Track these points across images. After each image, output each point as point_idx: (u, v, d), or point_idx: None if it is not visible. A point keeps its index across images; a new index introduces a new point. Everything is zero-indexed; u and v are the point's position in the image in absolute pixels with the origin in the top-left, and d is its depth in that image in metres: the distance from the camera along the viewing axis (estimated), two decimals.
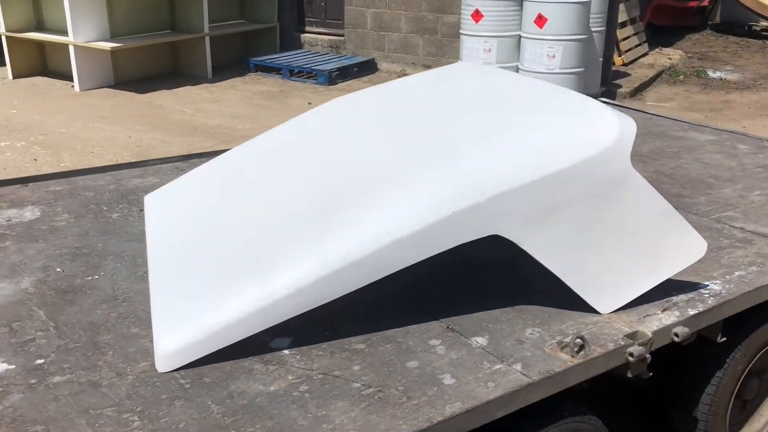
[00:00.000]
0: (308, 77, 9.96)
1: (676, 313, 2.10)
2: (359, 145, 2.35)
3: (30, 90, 9.17)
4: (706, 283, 2.29)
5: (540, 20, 7.53)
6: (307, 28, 11.61)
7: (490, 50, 7.85)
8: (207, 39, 9.93)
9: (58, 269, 2.32)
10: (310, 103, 8.65)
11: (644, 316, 2.07)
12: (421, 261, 1.89)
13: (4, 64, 9.80)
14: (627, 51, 10.97)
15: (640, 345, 1.92)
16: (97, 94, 8.97)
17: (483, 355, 1.87)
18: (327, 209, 2.04)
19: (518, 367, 1.81)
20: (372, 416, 1.61)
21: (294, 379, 1.75)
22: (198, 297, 1.93)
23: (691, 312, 2.09)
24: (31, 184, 3.13)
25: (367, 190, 2.05)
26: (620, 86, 9.31)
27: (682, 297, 2.19)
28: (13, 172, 5.85)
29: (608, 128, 2.05)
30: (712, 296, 2.20)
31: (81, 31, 8.89)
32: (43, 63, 10.06)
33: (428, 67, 10.30)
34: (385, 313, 2.06)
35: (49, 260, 2.38)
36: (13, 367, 1.79)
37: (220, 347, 1.81)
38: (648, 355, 1.94)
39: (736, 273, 2.36)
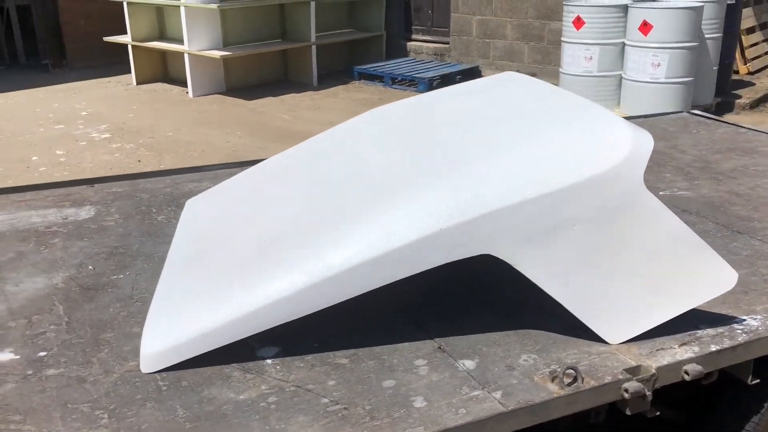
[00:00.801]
0: (410, 85, 10.02)
1: (695, 348, 1.92)
2: (375, 156, 2.33)
3: (149, 95, 9.81)
4: (744, 317, 2.08)
5: (645, 27, 7.15)
6: (414, 36, 11.67)
7: (591, 58, 7.56)
8: (313, 48, 10.21)
9: (91, 267, 2.46)
10: None
11: (657, 350, 1.91)
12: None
13: (130, 72, 10.56)
14: (754, 59, 10.20)
15: (639, 381, 1.77)
16: (208, 100, 9.45)
17: (466, 379, 1.79)
18: (323, 220, 2.04)
19: (498, 395, 1.72)
20: (335, 424, 1.59)
21: (266, 390, 1.76)
22: (191, 300, 1.98)
23: (713, 348, 1.91)
24: (96, 185, 3.35)
25: (365, 202, 2.03)
26: (739, 97, 8.66)
27: (709, 331, 2.00)
28: (116, 172, 6.27)
29: (619, 145, 1.90)
30: (745, 332, 1.99)
31: (196, 40, 9.40)
32: (164, 70, 10.75)
33: (533, 74, 10.07)
34: (378, 329, 2.03)
35: (86, 258, 2.53)
36: (18, 357, 1.91)
37: (203, 352, 1.85)
38: (648, 393, 1.79)
39: None
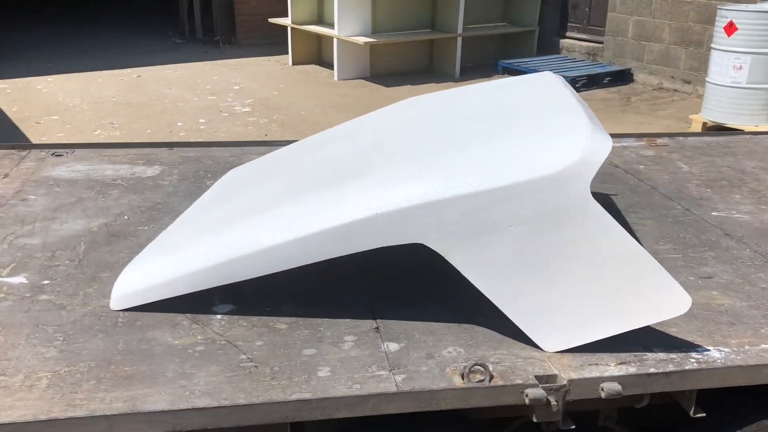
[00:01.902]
0: None
1: (632, 368, 1.83)
2: (365, 143, 2.42)
3: (299, 76, 10.39)
4: (709, 348, 1.94)
5: None
6: (568, 34, 11.33)
7: (740, 68, 6.97)
8: (459, 39, 10.25)
9: (126, 217, 2.78)
10: None
11: (590, 364, 1.85)
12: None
13: (287, 52, 11.23)
14: None
15: (546, 389, 1.74)
16: (351, 84, 9.84)
17: (380, 360, 1.85)
18: (297, 195, 2.17)
19: (399, 378, 1.77)
20: (225, 384, 1.73)
21: (200, 339, 1.94)
22: (167, 252, 2.20)
23: (647, 371, 1.81)
24: (174, 148, 3.72)
25: (333, 182, 2.13)
26: None
27: (660, 355, 1.89)
28: None
29: (569, 150, 1.84)
30: (697, 362, 1.87)
31: (345, 25, 9.81)
32: (318, 53, 11.32)
33: (687, 82, 9.43)
34: (332, 305, 2.13)
35: (127, 209, 2.86)
36: (26, 282, 2.24)
37: (163, 298, 2.06)
38: (554, 402, 1.74)
39: (765, 346, 1.95)
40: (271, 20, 11.41)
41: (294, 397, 1.68)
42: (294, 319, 2.06)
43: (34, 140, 6.94)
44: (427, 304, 2.14)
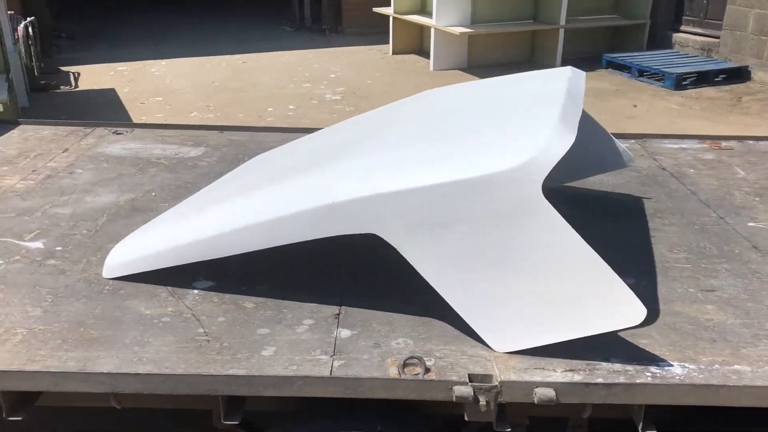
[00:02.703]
0: (659, 79, 9.29)
1: (577, 376, 1.77)
2: (360, 135, 2.45)
3: (397, 65, 10.48)
4: (674, 363, 1.83)
5: None
6: (682, 28, 10.71)
7: None
8: (561, 31, 9.96)
9: (153, 194, 2.97)
10: (635, 106, 8.13)
11: (535, 368, 1.80)
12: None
13: (388, 42, 11.34)
14: None
15: (474, 387, 1.71)
16: (446, 74, 9.81)
17: (327, 344, 1.89)
18: (280, 180, 2.24)
19: (337, 363, 1.81)
20: (173, 354, 1.83)
21: (170, 311, 2.06)
22: (161, 226, 2.34)
23: (591, 381, 1.74)
24: (225, 131, 3.89)
25: (307, 171, 2.19)
26: None
27: (615, 366, 1.81)
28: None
29: (521, 150, 1.79)
30: (652, 377, 1.77)
31: (444, 15, 9.78)
32: (419, 43, 11.34)
33: None
34: (302, 289, 2.18)
35: (158, 187, 3.05)
36: (42, 247, 2.45)
37: (147, 270, 2.20)
38: (484, 402, 1.71)
39: (737, 366, 1.82)
40: (375, 10, 11.55)
41: (228, 371, 1.76)
42: (263, 299, 2.14)
43: (135, 119, 7.45)
44: (397, 295, 2.15)
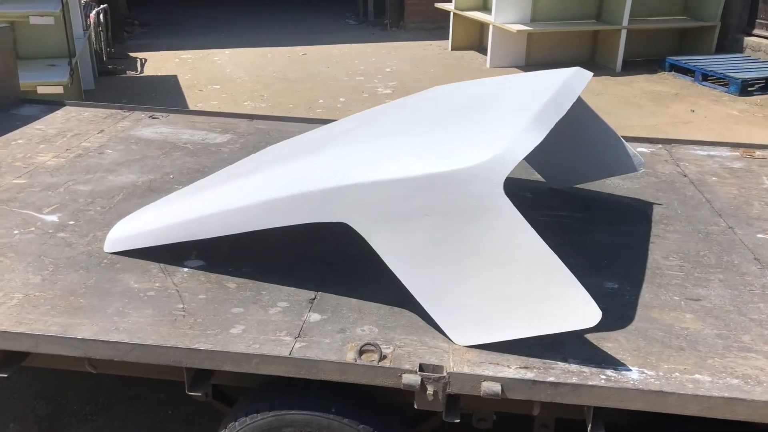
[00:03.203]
0: (724, 84, 8.96)
1: (530, 374, 1.78)
2: (358, 127, 2.51)
3: (453, 61, 10.46)
4: (633, 368, 1.83)
5: None
6: (755, 31, 10.28)
7: None
8: (623, 32, 9.72)
9: (171, 176, 3.10)
10: (693, 111, 7.89)
11: (490, 362, 1.83)
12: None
13: (448, 38, 11.33)
14: None
15: (423, 377, 1.75)
16: (501, 72, 9.72)
17: (294, 326, 1.97)
18: (263, 167, 2.32)
19: (298, 345, 1.88)
20: (148, 326, 1.94)
21: (156, 286, 2.17)
22: (161, 206, 2.46)
23: (540, 379, 1.75)
24: (255, 120, 4.02)
25: (293, 159, 2.26)
26: None
27: (571, 366, 1.82)
28: None
29: (484, 148, 1.81)
30: (606, 379, 1.77)
31: (502, 12, 9.70)
32: (480, 39, 11.27)
33: None
34: (287, 273, 2.26)
35: (177, 169, 3.19)
36: (57, 221, 2.62)
37: (142, 246, 2.32)
38: (431, 391, 1.75)
39: (698, 376, 1.80)
40: (437, 5, 11.54)
41: (193, 345, 1.85)
42: (246, 280, 2.23)
43: (191, 105, 7.71)
44: (375, 284, 2.20)
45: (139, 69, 9.58)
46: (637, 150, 3.67)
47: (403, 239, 1.90)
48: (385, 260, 1.94)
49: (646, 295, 2.23)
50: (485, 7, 10.86)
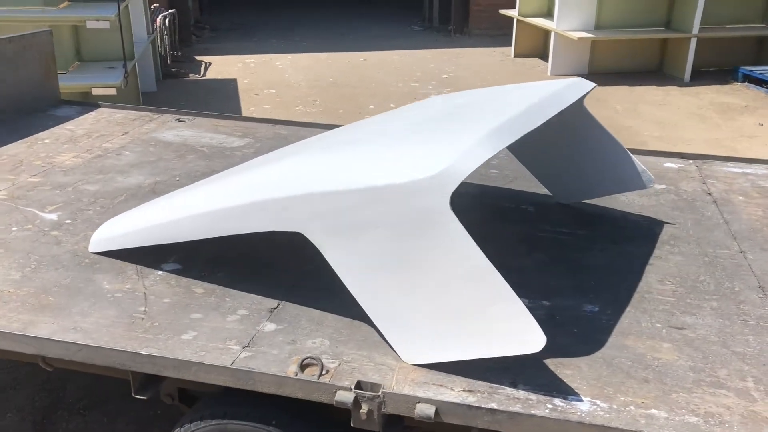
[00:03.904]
0: None
1: (472, 399, 1.70)
2: (345, 134, 2.48)
3: (514, 68, 10.28)
4: (585, 398, 1.72)
5: None
6: None
7: None
8: (692, 40, 9.31)
9: (177, 179, 3.16)
10: (761, 125, 7.47)
11: (434, 384, 1.76)
12: None
13: (510, 44, 11.16)
14: None
15: (358, 395, 1.70)
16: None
17: (246, 335, 1.95)
18: (242, 172, 2.32)
19: (243, 355, 1.86)
20: (106, 327, 1.97)
21: (127, 287, 2.20)
22: (144, 209, 2.49)
23: (486, 405, 1.67)
24: (278, 126, 4.05)
25: (267, 165, 2.25)
26: None
27: (519, 393, 1.72)
28: None
29: (437, 160, 1.74)
30: (551, 409, 1.67)
31: (565, 19, 9.47)
32: (543, 46, 11.05)
33: None
34: (262, 280, 2.25)
35: (186, 173, 3.24)
36: (55, 219, 2.69)
37: (121, 248, 2.36)
38: (365, 410, 1.69)
39: (654, 411, 1.67)
40: (502, 11, 11.38)
41: (141, 349, 1.87)
42: (215, 286, 2.23)
43: (244, 108, 7.87)
44: (345, 295, 2.14)
45: (201, 72, 9.86)
46: (664, 165, 3.50)
47: (354, 251, 1.86)
48: (337, 272, 1.90)
49: (626, 320, 2.10)
50: (549, 14, 10.63)
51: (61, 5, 6.60)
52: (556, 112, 2.19)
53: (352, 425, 1.77)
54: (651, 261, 2.48)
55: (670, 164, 3.52)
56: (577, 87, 2.49)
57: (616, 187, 2.84)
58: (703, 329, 2.05)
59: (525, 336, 1.68)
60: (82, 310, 2.07)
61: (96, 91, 6.20)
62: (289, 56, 10.99)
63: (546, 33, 10.85)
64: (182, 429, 1.93)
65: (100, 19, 6.10)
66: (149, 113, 4.20)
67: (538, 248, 2.56)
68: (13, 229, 2.60)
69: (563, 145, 2.84)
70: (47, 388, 3.02)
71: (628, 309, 2.16)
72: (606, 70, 9.77)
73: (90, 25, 6.16)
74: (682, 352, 1.94)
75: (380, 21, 14.62)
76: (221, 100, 8.28)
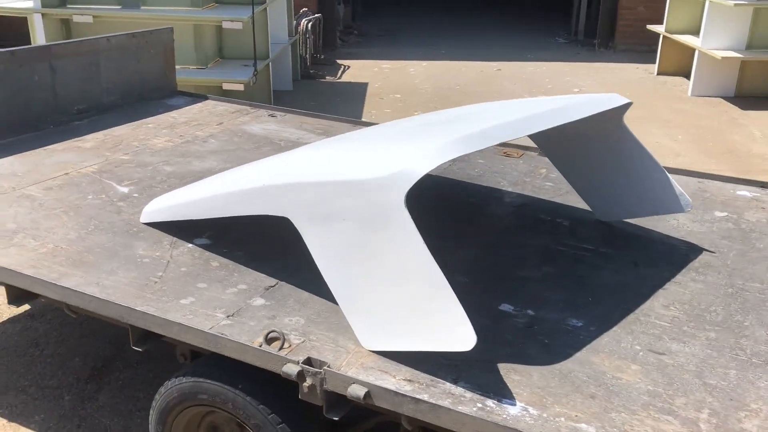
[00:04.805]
0: None
1: (407, 387, 1.78)
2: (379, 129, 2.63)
3: (651, 86, 9.85)
4: (517, 404, 1.74)
5: None
6: None
7: None
8: None
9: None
10: None
11: (380, 370, 1.86)
12: None
13: (654, 62, 10.67)
14: None
15: (303, 368, 1.83)
16: (700, 102, 8.97)
17: (234, 306, 2.15)
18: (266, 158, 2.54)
19: (223, 323, 2.06)
20: (123, 286, 2.25)
21: (156, 255, 2.48)
22: (191, 188, 2.76)
23: (413, 395, 1.74)
24: (358, 125, 4.25)
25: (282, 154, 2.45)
26: None
27: (456, 389, 1.79)
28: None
29: (398, 161, 1.84)
30: (482, 409, 1.71)
31: (713, 37, 8.95)
32: (690, 65, 10.44)
33: None
34: (275, 259, 2.44)
35: (233, 160, 3.48)
36: (125, 192, 3.05)
37: (163, 220, 2.66)
38: (308, 383, 1.82)
39: (584, 425, 1.67)
40: (649, 27, 10.90)
41: (138, 307, 2.12)
42: (230, 262, 2.46)
43: (366, 111, 8.18)
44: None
45: (338, 75, 10.33)
46: (736, 193, 3.30)
47: (327, 239, 2.00)
48: (314, 258, 2.04)
49: (605, 339, 2.07)
50: (698, 31, 10.04)
51: (207, 6, 7.25)
52: (558, 124, 2.20)
53: (300, 397, 1.91)
54: (666, 286, 2.40)
55: (743, 192, 3.31)
56: (604, 102, 2.46)
57: (653, 208, 2.75)
58: (684, 357, 1.98)
59: (457, 335, 1.74)
60: (111, 269, 2.37)
61: (226, 86, 6.75)
62: (424, 63, 11.21)
63: (693, 51, 10.25)
64: (168, 383, 2.17)
65: (234, 20, 6.64)
66: (248, 107, 4.56)
67: (550, 261, 2.55)
68: (89, 197, 3.00)
69: (601, 162, 2.79)
70: (113, 342, 3.41)
71: (614, 328, 2.12)
72: (757, 93, 9.08)
73: (225, 25, 6.72)
74: (647, 376, 1.89)
75: (525, 32, 14.47)
76: (347, 101, 8.66)
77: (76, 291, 2.19)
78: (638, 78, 10.36)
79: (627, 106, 2.60)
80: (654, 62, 11.00)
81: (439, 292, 1.76)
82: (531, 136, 3.11)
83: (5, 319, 3.61)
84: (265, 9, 7.61)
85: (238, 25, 6.69)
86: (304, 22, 10.15)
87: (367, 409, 1.93)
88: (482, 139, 1.97)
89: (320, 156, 2.19)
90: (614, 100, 2.51)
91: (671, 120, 8.07)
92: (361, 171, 1.92)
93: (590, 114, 2.35)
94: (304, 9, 10.89)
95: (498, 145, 3.85)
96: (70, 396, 3.04)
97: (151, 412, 2.26)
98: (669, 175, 2.69)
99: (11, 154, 3.47)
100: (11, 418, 2.89)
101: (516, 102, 2.72)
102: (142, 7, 6.95)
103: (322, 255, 2.02)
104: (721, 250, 2.69)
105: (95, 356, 3.29)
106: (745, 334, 2.11)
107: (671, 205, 2.68)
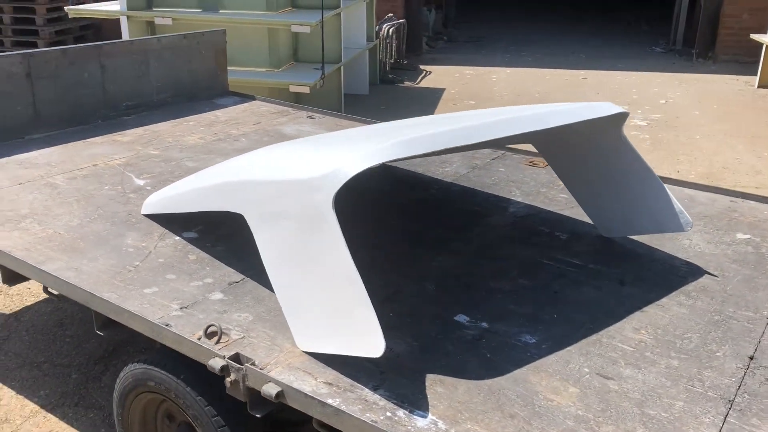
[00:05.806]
0: None
1: (323, 390, 1.77)
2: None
3: (749, 99, 9.25)
4: (429, 417, 1.69)
5: None
6: None
7: None
8: None
9: None
10: None
11: (304, 371, 1.85)
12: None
13: (756, 73, 10.02)
14: None
15: (227, 363, 1.85)
16: None
17: (191, 299, 2.21)
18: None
19: (174, 314, 2.11)
20: (98, 272, 2.36)
21: (141, 245, 2.58)
22: (186, 181, 2.85)
23: (322, 399, 1.73)
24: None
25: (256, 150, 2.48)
26: None
27: (372, 396, 1.76)
28: None
29: (333, 162, 1.83)
30: (390, 418, 1.67)
31: None
32: None
33: None
34: (247, 256, 2.47)
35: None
36: (141, 184, 3.20)
37: (160, 212, 2.76)
38: (231, 378, 1.84)
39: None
40: (752, 36, 10.23)
41: (98, 293, 2.21)
42: (207, 256, 2.52)
43: None
44: None
45: (417, 80, 10.34)
46: (765, 213, 3.05)
47: (271, 238, 2.02)
48: (261, 256, 2.07)
49: (553, 358, 1.97)
50: None
51: (282, 11, 7.46)
52: (528, 130, 2.13)
53: (227, 392, 1.94)
54: (647, 308, 2.25)
55: None
56: (594, 111, 2.35)
57: (652, 226, 2.59)
58: (632, 384, 1.85)
59: (369, 341, 1.71)
60: (94, 256, 2.49)
61: (292, 89, 6.93)
62: (508, 70, 11.03)
63: None
64: (126, 368, 2.26)
65: (303, 24, 6.80)
66: (290, 108, 4.66)
67: (529, 274, 2.45)
68: (105, 187, 3.16)
69: (601, 176, 2.66)
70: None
71: (569, 348, 2.02)
72: None
73: (294, 29, 6.89)
74: (582, 400, 1.78)
75: (622, 41, 13.92)
76: (419, 106, 8.65)
77: (50, 275, 2.32)
78: (736, 90, 9.75)
79: (623, 116, 2.47)
80: (752, 74, 10.33)
81: (357, 297, 1.74)
82: (535, 146, 3.02)
83: (42, 299, 3.86)
84: (339, 14, 7.74)
85: (306, 29, 6.83)
86: (386, 27, 10.24)
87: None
88: (424, 144, 1.93)
89: (277, 155, 2.22)
90: (605, 109, 2.39)
91: (760, 136, 7.53)
92: (302, 171, 1.93)
93: (572, 122, 2.25)
94: (389, 14, 10.99)
95: (524, 154, 3.76)
96: (77, 375, 3.22)
97: (114, 393, 2.36)
98: (670, 192, 2.53)
99: (53, 145, 3.71)
100: (19, 391, 3.09)
101: (507, 109, 2.63)
102: (221, 11, 7.24)
103: (268, 254, 2.04)
104: (726, 275, 2.49)
105: (110, 340, 3.46)
106: (712, 365, 1.94)
107: (670, 223, 2.51)
